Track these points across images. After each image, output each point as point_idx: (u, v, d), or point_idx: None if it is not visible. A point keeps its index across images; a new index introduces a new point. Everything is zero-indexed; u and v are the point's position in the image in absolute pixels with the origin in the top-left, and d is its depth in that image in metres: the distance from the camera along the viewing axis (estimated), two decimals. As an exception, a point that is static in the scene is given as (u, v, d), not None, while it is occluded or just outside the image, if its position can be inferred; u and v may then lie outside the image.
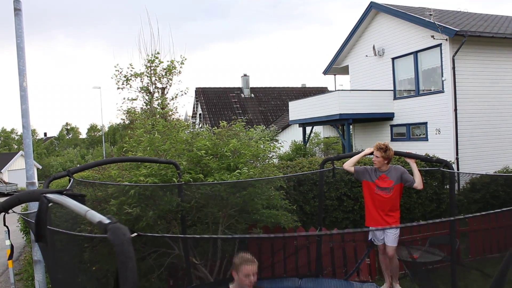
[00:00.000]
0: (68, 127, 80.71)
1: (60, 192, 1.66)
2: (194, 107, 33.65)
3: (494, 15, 19.21)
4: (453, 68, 14.25)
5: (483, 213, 2.55)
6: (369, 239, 6.27)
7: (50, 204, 1.67)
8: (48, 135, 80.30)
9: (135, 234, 1.51)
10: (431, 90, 15.73)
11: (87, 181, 6.13)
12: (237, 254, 4.12)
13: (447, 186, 6.37)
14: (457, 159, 14.02)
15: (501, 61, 14.96)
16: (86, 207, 1.49)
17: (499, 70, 14.91)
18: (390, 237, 5.86)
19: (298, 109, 19.73)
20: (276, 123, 28.98)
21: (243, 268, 3.87)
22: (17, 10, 6.32)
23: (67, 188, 4.15)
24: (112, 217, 1.37)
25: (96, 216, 1.43)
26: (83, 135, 79.73)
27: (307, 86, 36.39)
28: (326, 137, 24.73)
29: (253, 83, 36.33)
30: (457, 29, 13.88)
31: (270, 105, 32.39)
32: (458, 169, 13.77)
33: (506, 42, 14.24)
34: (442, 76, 14.67)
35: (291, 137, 23.15)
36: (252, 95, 32.69)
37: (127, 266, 1.26)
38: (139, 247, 5.87)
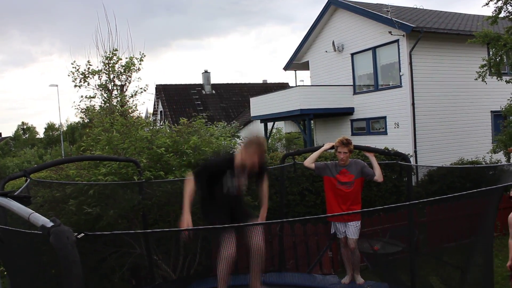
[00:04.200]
0: (24, 127, 78.28)
1: (4, 195, 1.59)
2: (154, 105, 33.22)
3: (448, 12, 19.74)
4: (410, 63, 14.57)
5: (435, 198, 2.62)
6: (331, 232, 6.33)
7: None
8: (3, 136, 77.67)
9: (82, 234, 1.46)
10: (389, 85, 16.04)
11: (45, 181, 5.96)
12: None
13: (406, 179, 6.51)
14: (415, 152, 14.36)
15: (455, 56, 15.38)
16: (30, 209, 1.43)
17: (454, 65, 15.34)
18: (351, 230, 5.93)
19: (259, 105, 19.75)
20: (238, 119, 28.94)
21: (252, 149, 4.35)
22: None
23: (21, 188, 4.02)
24: (56, 220, 1.32)
25: (39, 219, 1.37)
26: (41, 134, 77.53)
27: (268, 82, 36.46)
28: (288, 133, 24.87)
29: (214, 80, 36.21)
30: (414, 25, 14.19)
31: (231, 101, 32.30)
32: (416, 161, 14.10)
33: (460, 38, 14.65)
34: (400, 71, 14.98)
35: (253, 133, 23.15)
36: (213, 92, 32.52)
37: (71, 271, 1.20)
38: (100, 248, 5.75)
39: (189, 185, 4.45)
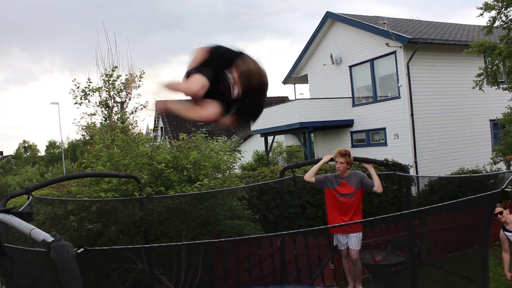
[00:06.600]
0: (26, 145, 78.42)
1: (7, 211, 1.63)
2: (155, 121, 33.29)
3: (444, 23, 19.89)
4: (408, 74, 14.65)
5: (430, 206, 2.65)
6: (334, 244, 6.35)
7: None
8: (4, 154, 77.75)
9: (82, 249, 1.50)
10: (388, 96, 16.10)
11: (46, 198, 6.00)
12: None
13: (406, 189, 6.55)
14: (415, 162, 14.37)
15: (452, 66, 15.47)
16: (31, 225, 1.47)
17: (451, 75, 15.42)
18: (353, 241, 5.95)
19: (259, 119, 19.74)
20: (238, 133, 28.99)
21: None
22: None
23: (24, 206, 4.05)
24: (57, 235, 1.35)
25: (40, 235, 1.41)
26: (42, 152, 77.61)
27: (267, 96, 36.54)
28: (289, 146, 24.89)
29: (214, 95, 36.19)
30: (410, 37, 14.31)
31: (232, 115, 32.32)
32: (417, 172, 14.09)
33: (456, 48, 14.75)
34: (398, 82, 15.05)
35: (253, 147, 23.21)
36: (214, 107, 32.55)
37: (71, 285, 1.23)
38: (102, 264, 5.77)
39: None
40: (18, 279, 3.87)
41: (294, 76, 20.62)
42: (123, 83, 12.09)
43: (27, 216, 1.60)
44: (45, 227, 5.41)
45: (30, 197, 4.30)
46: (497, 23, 11.48)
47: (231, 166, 6.83)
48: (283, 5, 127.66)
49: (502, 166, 12.43)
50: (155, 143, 7.45)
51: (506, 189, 3.33)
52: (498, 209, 5.67)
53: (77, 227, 5.39)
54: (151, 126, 33.11)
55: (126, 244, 5.82)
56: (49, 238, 1.38)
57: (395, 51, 14.98)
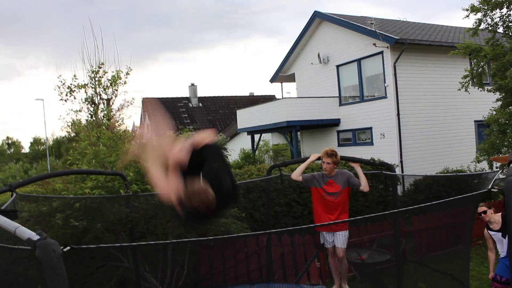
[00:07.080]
0: (9, 141, 77.50)
1: (-9, 209, 1.60)
2: (141, 118, 33.11)
3: (431, 24, 20.06)
4: (395, 74, 14.74)
5: (415, 206, 2.67)
6: (321, 242, 6.37)
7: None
8: (-13, 151, 76.76)
9: (68, 247, 1.48)
10: (374, 96, 16.18)
11: (31, 195, 5.93)
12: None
13: (391, 188, 6.59)
14: (401, 162, 14.47)
15: (438, 67, 15.60)
16: (16, 223, 1.44)
17: (437, 76, 15.55)
18: (339, 239, 5.98)
19: (246, 118, 19.78)
20: (225, 131, 28.96)
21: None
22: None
23: (7, 203, 4.00)
24: (42, 233, 1.33)
25: (25, 233, 1.39)
26: (26, 149, 76.81)
27: (255, 94, 36.58)
28: (275, 145, 24.91)
29: (201, 93, 36.27)
30: (397, 37, 14.39)
31: (218, 114, 32.34)
32: (402, 171, 14.20)
33: (443, 50, 14.87)
34: (385, 82, 15.14)
35: (240, 145, 23.19)
36: (200, 105, 32.54)
37: (57, 284, 1.21)
38: (87, 262, 5.73)
39: None
40: (1, 277, 3.82)
41: (282, 75, 20.63)
42: (109, 80, 11.96)
43: (11, 214, 1.58)
44: (29, 224, 5.35)
45: (14, 195, 4.24)
46: (482, 25, 11.58)
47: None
48: (271, 4, 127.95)
49: (485, 165, 12.56)
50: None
51: (492, 189, 3.37)
52: (482, 209, 5.74)
53: (62, 224, 5.34)
54: (138, 123, 32.92)
55: (111, 242, 5.78)
56: (34, 236, 1.36)
57: (382, 51, 15.06)
